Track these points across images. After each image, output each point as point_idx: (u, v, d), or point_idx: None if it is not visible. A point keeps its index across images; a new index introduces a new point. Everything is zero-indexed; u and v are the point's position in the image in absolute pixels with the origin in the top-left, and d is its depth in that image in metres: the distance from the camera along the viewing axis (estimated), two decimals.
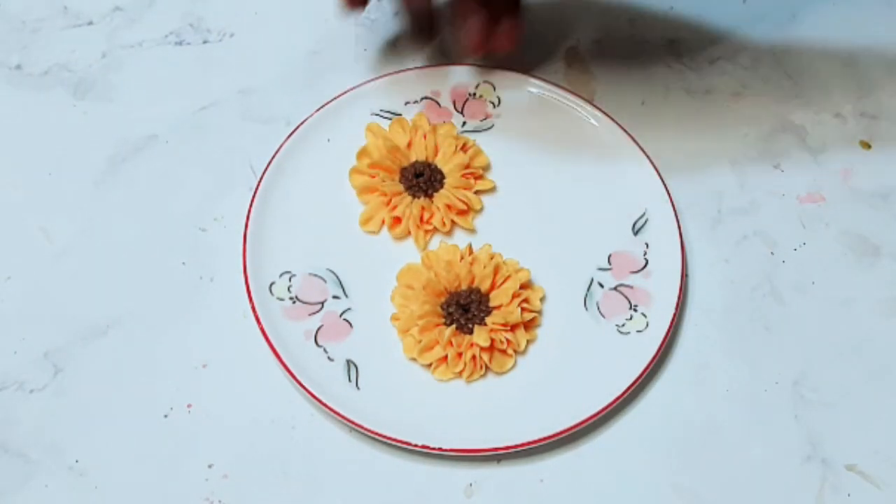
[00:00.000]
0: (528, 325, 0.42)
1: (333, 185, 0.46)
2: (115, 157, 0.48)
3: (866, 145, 0.50)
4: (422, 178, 0.46)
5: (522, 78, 0.50)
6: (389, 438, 0.39)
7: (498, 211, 0.46)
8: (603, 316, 0.43)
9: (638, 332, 0.42)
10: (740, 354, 0.43)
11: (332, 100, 0.48)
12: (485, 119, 0.49)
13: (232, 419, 0.41)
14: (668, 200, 0.46)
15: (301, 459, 0.40)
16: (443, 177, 0.46)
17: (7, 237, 0.45)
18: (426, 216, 0.45)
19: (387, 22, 0.54)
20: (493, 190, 0.47)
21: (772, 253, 0.46)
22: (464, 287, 0.42)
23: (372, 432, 0.39)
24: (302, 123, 0.47)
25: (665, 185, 0.46)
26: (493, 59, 0.49)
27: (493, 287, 0.43)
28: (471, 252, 0.44)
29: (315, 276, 0.44)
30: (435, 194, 0.46)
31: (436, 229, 0.45)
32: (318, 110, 0.48)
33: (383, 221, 0.45)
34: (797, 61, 0.54)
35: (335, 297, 0.43)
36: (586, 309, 0.43)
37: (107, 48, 0.52)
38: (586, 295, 0.44)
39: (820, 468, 0.40)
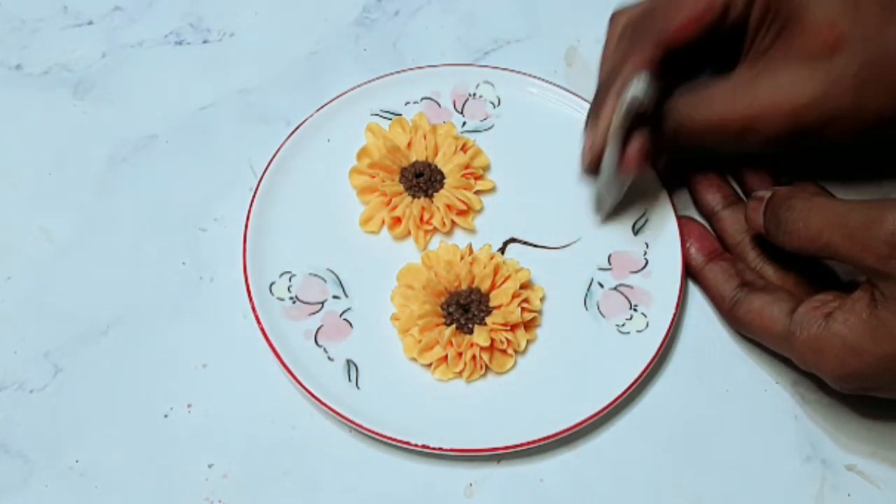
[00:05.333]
0: (528, 325, 0.42)
1: (333, 185, 0.46)
2: (115, 156, 0.48)
3: None
4: (422, 179, 0.46)
5: (522, 78, 0.50)
6: (389, 438, 0.39)
7: (498, 211, 0.46)
8: (603, 316, 0.43)
9: (638, 331, 0.42)
10: (740, 354, 0.43)
11: (332, 100, 0.48)
12: (485, 119, 0.49)
13: (232, 419, 0.41)
14: (668, 200, 0.46)
15: (301, 459, 0.40)
16: (443, 177, 0.46)
17: (7, 237, 0.45)
18: (426, 216, 0.45)
19: (387, 22, 0.54)
20: (493, 190, 0.47)
21: None
22: (464, 287, 0.42)
23: (372, 432, 0.39)
24: (302, 123, 0.47)
25: (665, 185, 0.46)
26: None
27: (493, 287, 0.43)
28: (471, 252, 0.44)
29: (315, 276, 0.44)
30: (435, 194, 0.46)
31: (436, 229, 0.45)
32: (318, 110, 0.48)
33: (383, 221, 0.45)
34: None
35: (335, 297, 0.43)
36: (586, 309, 0.43)
37: (107, 48, 0.52)
38: (586, 295, 0.44)
39: (820, 468, 0.40)
